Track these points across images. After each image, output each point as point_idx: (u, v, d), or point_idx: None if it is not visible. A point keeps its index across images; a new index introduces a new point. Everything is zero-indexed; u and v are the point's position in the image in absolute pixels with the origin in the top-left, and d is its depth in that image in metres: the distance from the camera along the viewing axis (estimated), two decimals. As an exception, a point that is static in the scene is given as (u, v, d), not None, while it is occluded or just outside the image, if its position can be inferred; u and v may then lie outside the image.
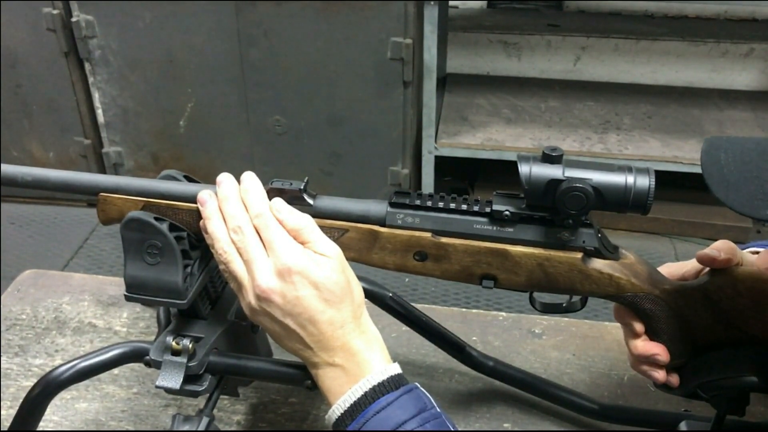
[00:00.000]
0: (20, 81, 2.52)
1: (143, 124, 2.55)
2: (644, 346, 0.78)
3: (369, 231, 0.76)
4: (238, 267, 0.71)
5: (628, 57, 2.82)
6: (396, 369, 0.70)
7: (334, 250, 0.72)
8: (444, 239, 0.76)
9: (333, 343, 0.70)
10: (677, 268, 0.81)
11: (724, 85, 2.83)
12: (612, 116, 2.64)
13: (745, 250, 0.83)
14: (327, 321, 0.70)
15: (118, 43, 2.39)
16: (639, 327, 0.78)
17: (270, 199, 0.74)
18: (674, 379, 0.79)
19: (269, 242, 0.71)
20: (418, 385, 0.70)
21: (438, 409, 0.69)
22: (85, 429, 1.01)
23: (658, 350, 0.78)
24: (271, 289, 0.69)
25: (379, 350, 0.72)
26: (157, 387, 0.77)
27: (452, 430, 0.68)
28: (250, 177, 0.75)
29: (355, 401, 0.68)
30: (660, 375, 0.79)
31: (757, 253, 0.82)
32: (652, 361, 0.78)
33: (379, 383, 0.68)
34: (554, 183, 0.69)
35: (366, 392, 0.68)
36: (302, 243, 0.71)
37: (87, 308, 1.22)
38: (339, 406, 0.69)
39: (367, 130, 2.43)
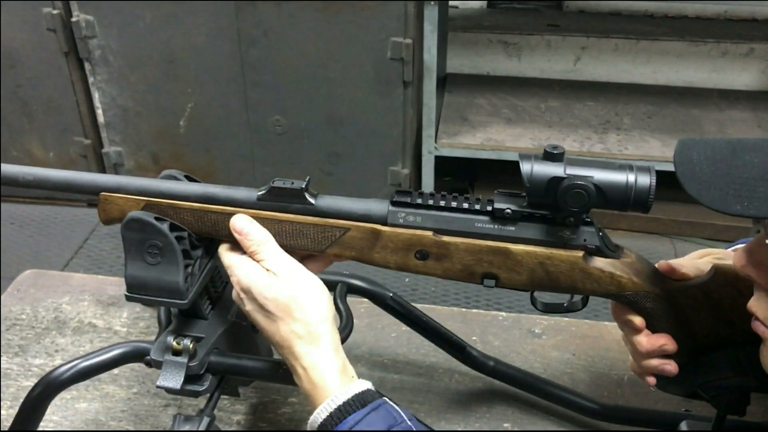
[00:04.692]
0: (20, 81, 2.52)
1: (143, 124, 2.54)
2: (649, 339, 0.77)
3: (371, 230, 0.76)
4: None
5: (628, 57, 2.82)
6: (360, 386, 0.70)
7: (283, 267, 0.74)
8: (445, 238, 0.76)
9: (287, 354, 0.73)
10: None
11: (724, 85, 2.82)
12: (612, 116, 2.64)
13: (729, 249, 0.83)
14: (274, 333, 0.73)
15: (118, 43, 2.39)
16: (639, 321, 0.77)
17: (270, 200, 0.74)
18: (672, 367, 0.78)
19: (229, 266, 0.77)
20: (387, 400, 0.70)
21: (409, 423, 0.68)
22: (85, 429, 1.01)
23: (664, 340, 0.76)
24: (235, 301, 0.77)
25: (337, 368, 0.72)
26: (157, 387, 0.77)
27: None
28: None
29: (322, 421, 0.69)
30: (672, 367, 0.77)
31: None
32: (661, 352, 0.77)
33: (344, 403, 0.69)
34: (556, 181, 0.69)
35: (331, 413, 0.69)
36: (258, 261, 0.75)
37: (87, 308, 1.22)
38: (310, 425, 0.70)
39: (367, 130, 2.43)
